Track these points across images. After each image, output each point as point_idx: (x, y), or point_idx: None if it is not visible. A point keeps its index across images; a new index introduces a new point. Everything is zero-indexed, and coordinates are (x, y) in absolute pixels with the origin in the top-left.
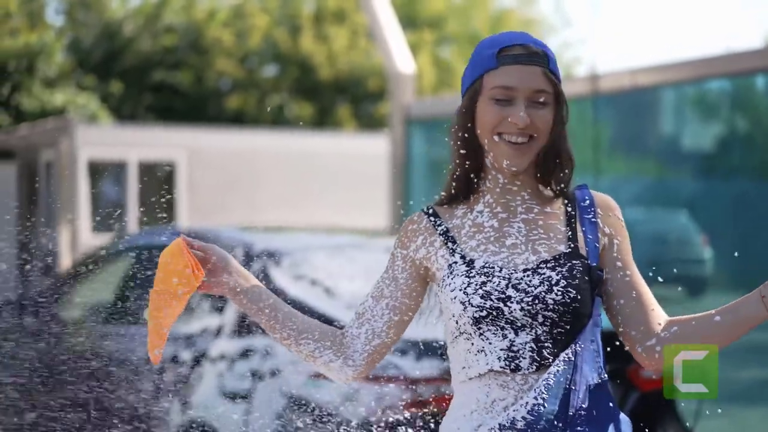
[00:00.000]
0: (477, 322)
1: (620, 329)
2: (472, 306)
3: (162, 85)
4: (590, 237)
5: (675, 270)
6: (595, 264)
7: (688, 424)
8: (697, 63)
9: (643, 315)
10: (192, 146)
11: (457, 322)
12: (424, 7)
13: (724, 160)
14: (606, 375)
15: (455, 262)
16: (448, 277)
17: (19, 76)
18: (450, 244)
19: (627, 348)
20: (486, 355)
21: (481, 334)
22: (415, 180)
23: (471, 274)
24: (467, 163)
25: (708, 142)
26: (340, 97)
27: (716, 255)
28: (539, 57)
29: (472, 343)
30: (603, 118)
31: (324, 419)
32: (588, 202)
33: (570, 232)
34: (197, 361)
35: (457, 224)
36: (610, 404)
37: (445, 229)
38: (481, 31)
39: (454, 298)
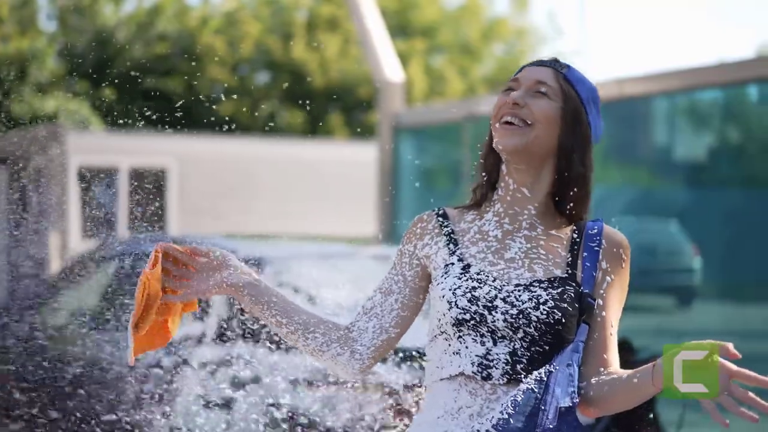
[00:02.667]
0: (459, 324)
1: None
2: (457, 307)
3: (154, 91)
4: (588, 264)
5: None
6: (587, 291)
7: None
8: (689, 73)
9: (590, 357)
10: (183, 153)
11: (439, 321)
12: (417, 15)
13: (715, 170)
14: (578, 399)
15: (452, 264)
16: (442, 276)
17: (11, 82)
18: (451, 246)
19: None
20: (461, 357)
21: (460, 337)
22: (404, 188)
23: (464, 278)
24: (489, 171)
25: (699, 152)
26: (332, 105)
27: (706, 265)
28: (553, 62)
29: (450, 344)
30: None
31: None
32: (596, 231)
33: (570, 258)
34: (178, 368)
35: (463, 228)
36: (579, 428)
37: (450, 231)
38: (474, 40)
39: (443, 296)
